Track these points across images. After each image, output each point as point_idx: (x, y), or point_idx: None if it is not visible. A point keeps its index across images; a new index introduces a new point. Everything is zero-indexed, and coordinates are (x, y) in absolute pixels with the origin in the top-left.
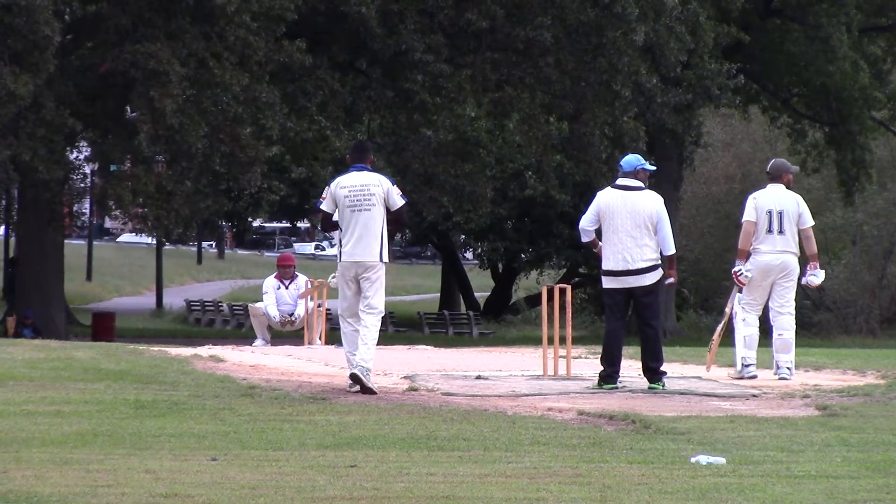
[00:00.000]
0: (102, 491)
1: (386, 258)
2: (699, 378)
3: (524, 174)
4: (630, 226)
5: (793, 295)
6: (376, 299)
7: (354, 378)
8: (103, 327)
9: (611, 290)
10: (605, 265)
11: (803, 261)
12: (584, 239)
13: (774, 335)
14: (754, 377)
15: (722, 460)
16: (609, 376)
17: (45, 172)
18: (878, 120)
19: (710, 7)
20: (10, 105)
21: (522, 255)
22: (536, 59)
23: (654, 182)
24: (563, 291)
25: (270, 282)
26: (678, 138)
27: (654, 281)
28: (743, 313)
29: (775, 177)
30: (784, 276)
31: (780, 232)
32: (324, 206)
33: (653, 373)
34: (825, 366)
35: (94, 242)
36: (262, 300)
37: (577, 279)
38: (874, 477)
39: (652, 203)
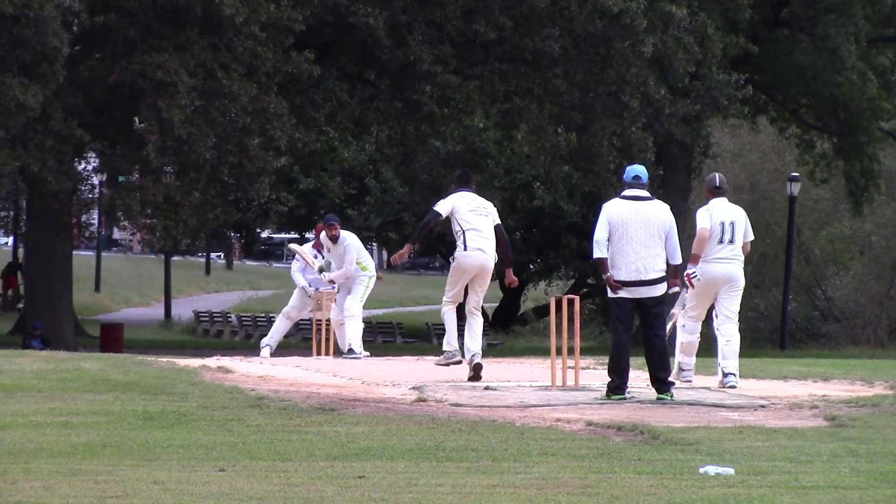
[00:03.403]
0: (111, 502)
1: (496, 260)
2: (708, 389)
3: (532, 185)
4: (644, 236)
5: (738, 303)
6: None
7: (474, 368)
8: (112, 338)
9: (620, 301)
10: (617, 276)
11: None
12: (598, 254)
13: (721, 342)
14: (690, 381)
15: (730, 471)
16: (617, 387)
17: (54, 183)
18: (887, 130)
19: (719, 18)
20: (19, 116)
21: (531, 266)
22: (545, 70)
23: (662, 193)
24: (571, 302)
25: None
26: (686, 149)
27: (664, 291)
28: (683, 319)
29: (724, 190)
30: (730, 286)
31: (731, 241)
32: (439, 208)
33: (661, 383)
34: (833, 376)
35: (103, 253)
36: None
37: (585, 290)
38: (882, 487)
39: (664, 213)
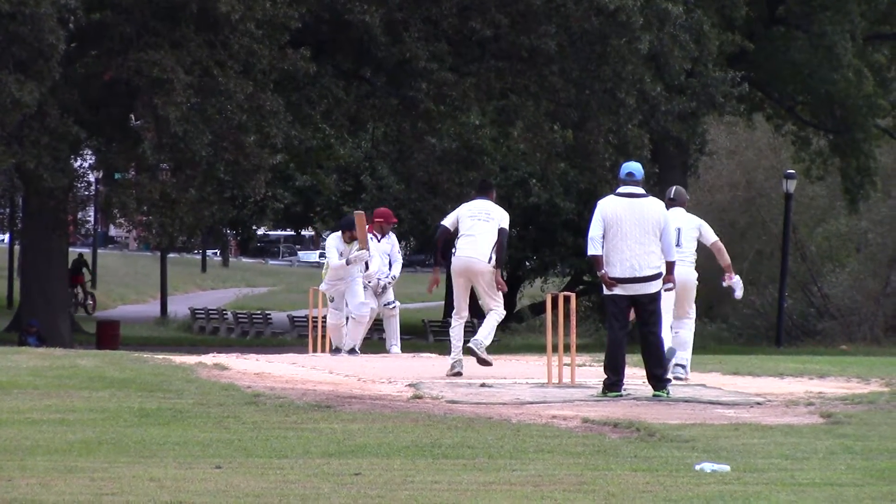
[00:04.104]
0: (107, 499)
1: (493, 263)
2: (704, 386)
3: (528, 182)
4: (638, 233)
5: (692, 301)
6: (495, 299)
7: (469, 351)
8: (108, 335)
9: (615, 298)
10: (611, 272)
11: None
12: (592, 251)
13: (671, 334)
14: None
15: (726, 468)
16: (613, 384)
17: (50, 180)
18: (883, 128)
19: (715, 15)
20: (15, 113)
21: (527, 263)
22: (541, 67)
23: (657, 190)
24: (567, 299)
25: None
26: (682, 146)
27: (659, 288)
28: None
29: (680, 202)
30: (687, 290)
31: (678, 245)
32: (445, 221)
33: (657, 380)
34: (829, 373)
35: (99, 250)
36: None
37: (581, 287)
38: (878, 484)
39: (659, 210)
